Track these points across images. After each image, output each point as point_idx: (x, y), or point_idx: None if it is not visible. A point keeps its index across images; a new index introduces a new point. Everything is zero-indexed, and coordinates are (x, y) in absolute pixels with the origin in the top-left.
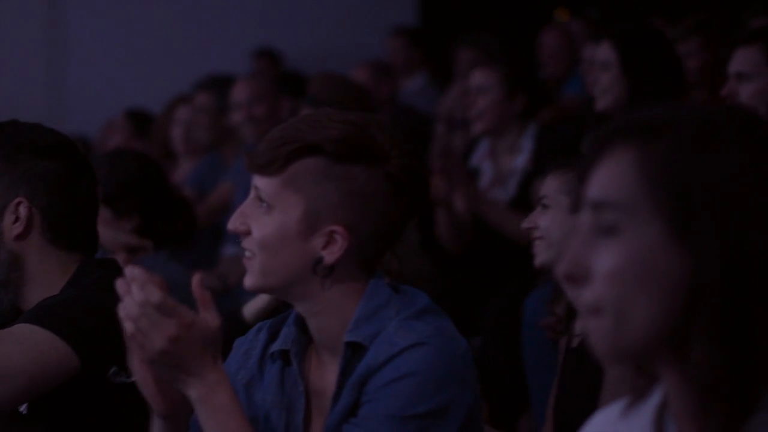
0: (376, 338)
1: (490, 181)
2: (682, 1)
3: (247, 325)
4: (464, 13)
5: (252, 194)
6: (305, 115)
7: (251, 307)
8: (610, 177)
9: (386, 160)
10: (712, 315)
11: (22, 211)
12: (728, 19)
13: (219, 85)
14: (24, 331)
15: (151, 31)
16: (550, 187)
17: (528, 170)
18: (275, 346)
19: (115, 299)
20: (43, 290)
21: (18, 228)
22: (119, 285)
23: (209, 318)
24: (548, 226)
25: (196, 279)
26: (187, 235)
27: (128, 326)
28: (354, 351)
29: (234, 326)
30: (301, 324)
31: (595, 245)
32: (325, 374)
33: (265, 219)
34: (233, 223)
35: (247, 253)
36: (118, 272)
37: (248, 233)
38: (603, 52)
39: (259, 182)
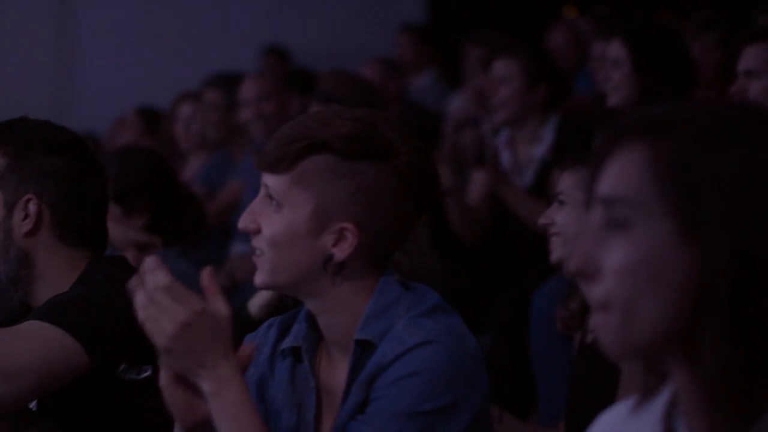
0: (385, 336)
1: (507, 169)
2: None
3: (253, 320)
4: (473, 11)
5: (262, 192)
6: (314, 113)
7: (256, 302)
8: (620, 174)
9: (395, 156)
10: (722, 313)
11: (32, 208)
12: (738, 16)
13: (228, 82)
14: (34, 329)
15: (159, 28)
16: (567, 183)
17: (546, 160)
18: (286, 343)
19: (125, 296)
20: (52, 287)
21: (27, 225)
22: (135, 279)
23: (219, 307)
24: (564, 222)
25: (206, 270)
26: (197, 232)
27: (141, 314)
28: (364, 348)
29: (241, 322)
30: (312, 321)
31: (606, 242)
32: (336, 371)
33: (275, 217)
34: (243, 222)
35: (257, 251)
36: (128, 269)
37: (258, 231)
38: (614, 50)
39: (269, 180)
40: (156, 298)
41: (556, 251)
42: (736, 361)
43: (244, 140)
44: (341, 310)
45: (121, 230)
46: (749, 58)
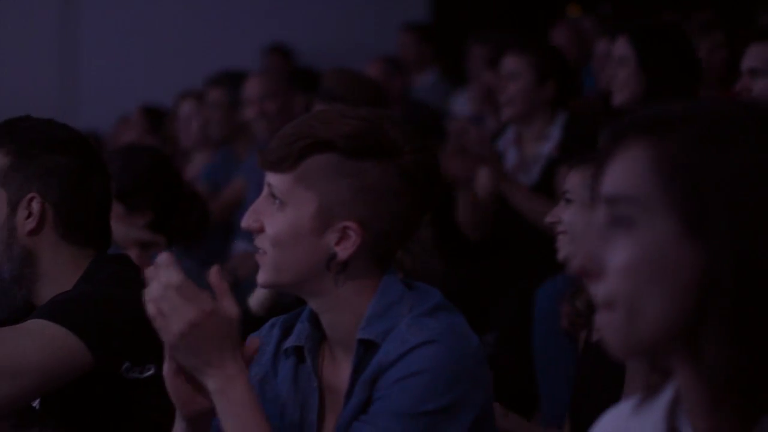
0: (388, 335)
1: (513, 167)
2: None
3: (254, 315)
4: (476, 9)
5: (265, 191)
6: (317, 112)
7: (255, 298)
8: (624, 172)
9: (399, 155)
10: (725, 311)
11: (35, 206)
12: (741, 16)
13: (231, 81)
14: (37, 327)
15: (163, 26)
16: (574, 181)
17: (553, 157)
18: (289, 342)
19: (128, 294)
20: (56, 286)
21: (31, 223)
22: (149, 271)
23: (228, 307)
24: (572, 221)
25: (214, 270)
26: (200, 231)
27: (151, 309)
28: (366, 348)
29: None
30: (315, 320)
31: (610, 240)
32: (339, 371)
33: (279, 216)
34: (246, 221)
35: (260, 250)
36: (131, 268)
37: (262, 230)
38: (620, 48)
39: (272, 179)
40: (168, 295)
41: (563, 249)
42: (740, 359)
43: (248, 138)
44: (344, 309)
45: (124, 229)
46: (753, 56)
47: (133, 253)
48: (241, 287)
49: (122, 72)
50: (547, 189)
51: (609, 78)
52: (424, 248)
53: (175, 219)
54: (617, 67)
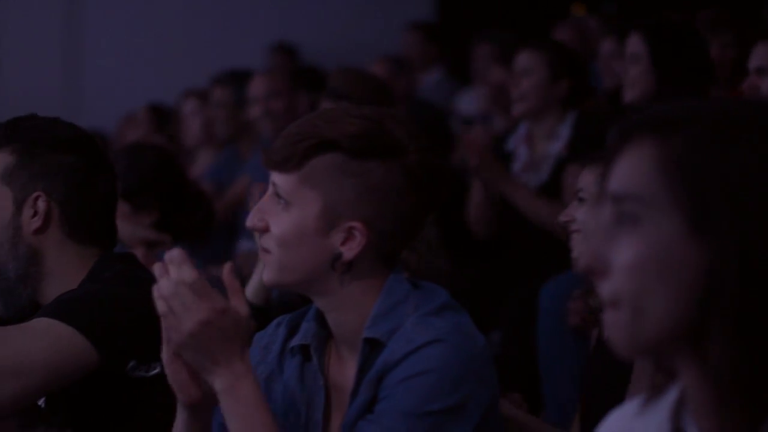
0: (394, 334)
1: (524, 165)
2: None
3: (252, 305)
4: (481, 8)
5: (270, 191)
6: (321, 111)
7: (250, 287)
8: (629, 171)
9: (404, 154)
10: (730, 310)
11: (41, 205)
12: (748, 15)
13: (236, 79)
14: (43, 326)
15: (167, 25)
16: (587, 180)
17: (562, 156)
18: (295, 341)
19: (134, 293)
20: (61, 284)
21: (36, 222)
22: (157, 267)
23: (239, 306)
24: (585, 220)
25: (227, 268)
26: (205, 229)
27: (161, 306)
28: (372, 347)
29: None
30: (320, 319)
31: (615, 239)
32: (345, 369)
33: (284, 216)
34: (251, 220)
35: (265, 250)
36: (137, 267)
37: (267, 230)
38: (633, 44)
39: (277, 179)
40: (179, 292)
41: (577, 248)
42: (745, 359)
43: (253, 137)
44: (350, 308)
45: (130, 227)
46: (761, 55)
47: (138, 252)
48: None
49: (127, 71)
50: (557, 188)
51: (620, 75)
52: (430, 247)
53: (181, 218)
54: (629, 64)
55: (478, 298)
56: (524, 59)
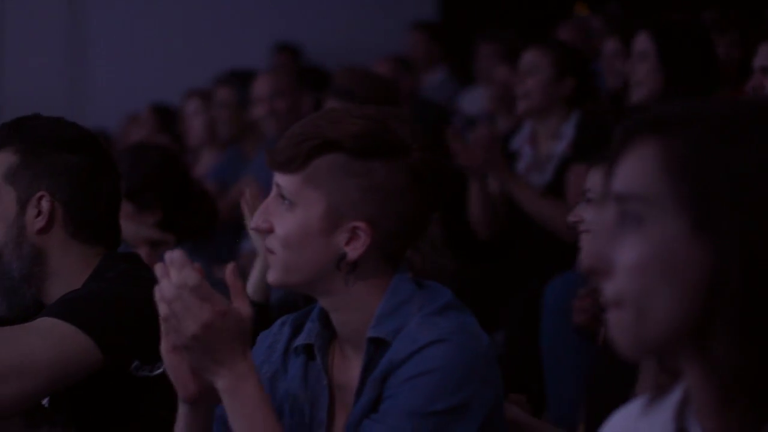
0: (398, 334)
1: (528, 165)
2: None
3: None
4: (484, 8)
5: (274, 192)
6: (324, 111)
7: (250, 285)
8: (633, 171)
9: (407, 153)
10: (734, 310)
11: (45, 205)
12: (751, 14)
13: (240, 79)
14: (47, 325)
15: (171, 25)
16: (595, 180)
17: (566, 156)
18: (299, 340)
19: (138, 293)
20: (65, 284)
21: (40, 222)
22: (158, 268)
23: (242, 307)
24: (593, 220)
25: (230, 268)
26: (209, 229)
27: (162, 308)
28: (377, 346)
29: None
30: (325, 318)
31: (619, 239)
32: (349, 369)
33: (288, 216)
34: (256, 221)
35: (269, 250)
36: (141, 266)
37: (271, 231)
38: (641, 43)
39: (281, 179)
40: (181, 295)
41: (586, 248)
42: (749, 359)
43: (257, 137)
44: (354, 308)
45: (133, 227)
46: (765, 54)
47: (142, 252)
48: None
49: (131, 71)
50: (561, 188)
51: (623, 75)
52: (434, 247)
53: (185, 218)
54: (637, 63)
55: (483, 298)
56: (530, 57)
